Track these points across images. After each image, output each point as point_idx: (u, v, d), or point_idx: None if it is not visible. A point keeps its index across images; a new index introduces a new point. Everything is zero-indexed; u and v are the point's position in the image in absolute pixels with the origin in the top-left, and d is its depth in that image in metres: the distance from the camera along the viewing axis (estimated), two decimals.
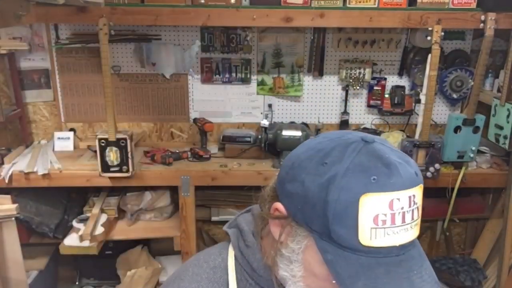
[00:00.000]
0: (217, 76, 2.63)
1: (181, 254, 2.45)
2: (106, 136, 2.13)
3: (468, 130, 2.28)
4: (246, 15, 2.19)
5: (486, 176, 2.41)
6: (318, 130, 2.61)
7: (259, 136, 2.42)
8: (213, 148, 2.56)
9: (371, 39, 2.58)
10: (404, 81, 2.67)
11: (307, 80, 2.66)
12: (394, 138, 2.51)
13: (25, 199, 2.35)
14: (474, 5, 2.23)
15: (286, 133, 2.37)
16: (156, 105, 2.67)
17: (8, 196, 2.02)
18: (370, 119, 2.74)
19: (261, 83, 2.65)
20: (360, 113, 2.73)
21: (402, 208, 0.64)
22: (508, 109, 2.17)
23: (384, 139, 0.71)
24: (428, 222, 2.85)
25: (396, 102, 2.63)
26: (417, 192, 0.66)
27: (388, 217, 0.63)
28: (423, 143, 2.27)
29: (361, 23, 2.25)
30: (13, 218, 2.02)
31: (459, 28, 2.54)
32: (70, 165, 2.31)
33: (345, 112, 2.67)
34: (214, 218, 2.62)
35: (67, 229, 2.39)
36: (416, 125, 2.44)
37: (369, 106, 2.70)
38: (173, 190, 2.50)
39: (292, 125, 2.51)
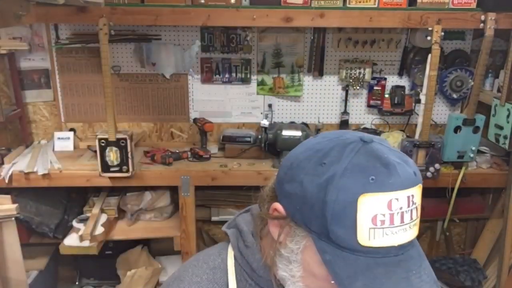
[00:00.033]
0: (217, 76, 2.63)
1: (181, 254, 2.45)
2: (106, 136, 2.13)
3: (468, 130, 2.28)
4: (246, 15, 2.19)
5: (486, 176, 2.41)
6: (318, 130, 2.61)
7: (259, 136, 2.42)
8: (213, 148, 2.56)
9: (371, 39, 2.58)
10: (404, 81, 2.67)
11: (307, 80, 2.66)
12: (394, 138, 2.51)
13: (25, 199, 2.35)
14: (474, 5, 2.23)
15: (286, 133, 2.37)
16: (156, 105, 2.67)
17: (8, 196, 2.02)
18: (370, 119, 2.74)
19: (261, 83, 2.65)
20: (360, 113, 2.73)
21: (401, 208, 0.64)
22: (508, 109, 2.17)
23: (382, 138, 0.71)
24: (428, 222, 2.85)
25: (396, 102, 2.63)
26: (416, 192, 0.66)
27: (386, 217, 0.63)
28: (423, 143, 2.27)
29: (361, 23, 2.25)
30: (13, 218, 2.02)
31: (459, 28, 2.54)
32: (70, 165, 2.31)
33: (345, 112, 2.67)
34: (214, 218, 2.62)
35: (67, 229, 2.40)
36: (416, 125, 2.44)
37: (369, 106, 2.70)
38: (173, 190, 2.50)
39: (292, 125, 2.51)
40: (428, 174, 2.29)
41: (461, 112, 2.68)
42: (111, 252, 2.57)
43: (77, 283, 2.72)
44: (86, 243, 2.23)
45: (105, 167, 2.18)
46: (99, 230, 2.29)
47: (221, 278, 0.81)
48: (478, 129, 2.29)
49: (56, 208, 2.45)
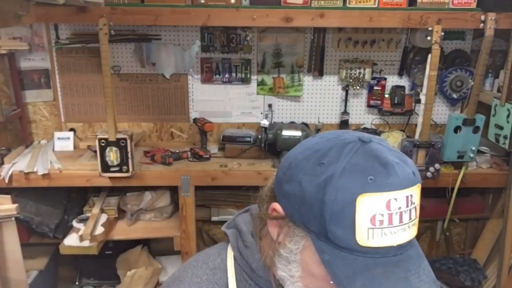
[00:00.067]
0: (217, 76, 2.63)
1: (181, 254, 2.45)
2: (106, 136, 2.13)
3: (468, 130, 2.28)
4: (246, 15, 2.19)
5: (486, 176, 2.41)
6: (318, 130, 2.61)
7: (259, 136, 2.42)
8: (213, 148, 2.56)
9: (371, 39, 2.58)
10: (404, 81, 2.67)
11: (307, 80, 2.66)
12: (394, 138, 2.50)
13: (25, 199, 2.35)
14: (474, 5, 2.23)
15: (286, 133, 2.37)
16: (156, 105, 2.67)
17: (8, 196, 2.02)
18: (370, 119, 2.73)
19: (261, 83, 2.65)
20: (360, 113, 2.73)
21: (400, 208, 0.64)
22: (508, 109, 2.17)
23: (381, 138, 0.71)
24: (428, 222, 2.85)
25: (396, 102, 2.63)
26: (415, 191, 0.66)
27: (385, 217, 0.63)
28: (423, 143, 2.27)
29: (361, 23, 2.25)
30: (13, 218, 2.02)
31: (459, 28, 2.54)
32: (70, 165, 2.31)
33: (345, 112, 2.67)
34: (214, 218, 2.62)
35: (67, 229, 2.40)
36: (416, 125, 2.44)
37: (369, 106, 2.70)
38: (173, 190, 2.50)
39: (292, 125, 2.51)
40: (428, 174, 2.29)
41: (461, 112, 2.68)
42: (111, 252, 2.57)
43: (77, 283, 2.72)
44: (86, 243, 2.23)
45: (105, 167, 2.18)
46: (99, 230, 2.29)
47: (221, 279, 0.81)
48: (478, 129, 2.29)
49: (56, 208, 2.45)
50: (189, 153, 2.45)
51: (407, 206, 0.65)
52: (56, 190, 2.40)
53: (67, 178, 2.26)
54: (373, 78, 2.63)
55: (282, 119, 2.71)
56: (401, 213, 0.64)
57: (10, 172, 2.19)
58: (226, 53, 2.59)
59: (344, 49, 2.60)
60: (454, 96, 2.62)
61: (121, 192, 2.53)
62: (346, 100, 2.66)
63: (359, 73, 2.60)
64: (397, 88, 2.63)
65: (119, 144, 2.14)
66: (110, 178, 2.22)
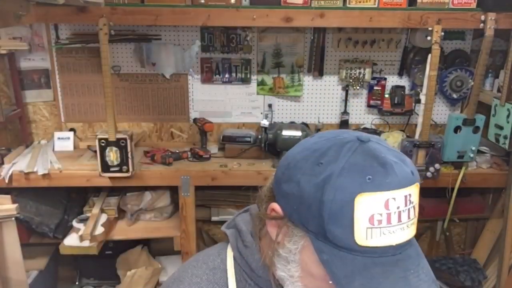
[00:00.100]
0: (217, 76, 2.63)
1: (181, 254, 2.45)
2: (106, 136, 2.13)
3: (468, 130, 2.28)
4: (246, 15, 2.19)
5: (486, 176, 2.41)
6: (318, 130, 2.61)
7: (259, 136, 2.42)
8: (213, 148, 2.56)
9: (371, 39, 2.58)
10: (404, 81, 2.67)
11: (307, 80, 2.66)
12: (394, 138, 2.50)
13: (25, 199, 2.35)
14: (474, 5, 2.23)
15: (286, 133, 2.38)
16: (156, 105, 2.67)
17: (8, 196, 2.02)
18: (370, 119, 2.73)
19: (261, 83, 2.65)
20: (360, 113, 2.73)
21: (398, 207, 0.64)
22: (508, 109, 2.17)
23: (380, 138, 0.71)
24: (428, 222, 2.85)
25: (396, 102, 2.63)
26: (413, 191, 0.66)
27: (384, 217, 0.63)
28: (423, 143, 2.27)
29: (361, 23, 2.25)
30: (13, 218, 2.02)
31: (459, 28, 2.54)
32: (70, 165, 2.31)
33: (345, 112, 2.67)
34: (214, 218, 2.62)
35: (67, 229, 2.40)
36: (416, 125, 2.44)
37: (369, 106, 2.70)
38: (173, 190, 2.50)
39: (292, 125, 2.51)
40: (428, 174, 2.29)
41: (461, 112, 2.68)
42: (111, 252, 2.57)
43: (77, 283, 2.72)
44: (86, 243, 2.23)
45: (105, 167, 2.18)
46: (99, 230, 2.29)
47: (221, 279, 0.81)
48: (478, 129, 2.29)
49: (56, 208, 2.45)
50: (189, 153, 2.45)
51: (406, 205, 0.65)
52: (56, 190, 2.40)
53: (67, 178, 2.26)
54: (373, 78, 2.63)
55: (282, 119, 2.71)
56: (399, 212, 0.64)
57: (10, 172, 2.19)
58: (226, 53, 2.59)
59: (344, 49, 2.60)
60: (454, 96, 2.62)
61: (121, 192, 2.53)
62: (346, 100, 2.66)
63: (359, 73, 2.61)
64: (397, 88, 2.63)
65: (119, 144, 2.14)
66: (110, 178, 2.22)
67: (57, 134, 2.54)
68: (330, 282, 0.66)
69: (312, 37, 2.57)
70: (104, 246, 2.39)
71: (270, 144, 2.40)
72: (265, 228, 0.77)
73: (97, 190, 2.56)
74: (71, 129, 2.63)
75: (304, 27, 2.51)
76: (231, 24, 2.29)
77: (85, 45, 2.50)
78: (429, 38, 2.16)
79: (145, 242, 2.65)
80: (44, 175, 2.21)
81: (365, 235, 0.63)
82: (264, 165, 2.40)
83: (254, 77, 2.65)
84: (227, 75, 2.63)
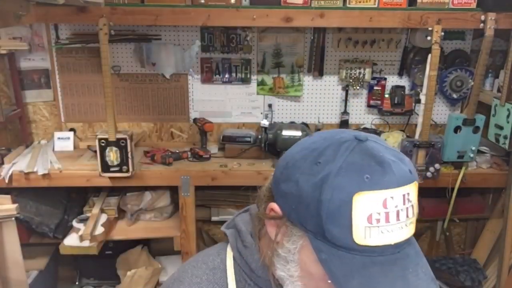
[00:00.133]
0: (217, 76, 2.63)
1: (181, 254, 2.45)
2: (106, 136, 2.13)
3: (468, 130, 2.28)
4: (246, 15, 2.19)
5: (486, 176, 2.40)
6: (318, 130, 2.60)
7: (259, 136, 2.42)
8: (213, 148, 2.56)
9: (371, 39, 2.58)
10: (404, 81, 2.67)
11: (307, 80, 2.66)
12: (394, 138, 2.50)
13: (25, 199, 2.35)
14: (474, 5, 2.23)
15: (286, 133, 2.38)
16: (156, 105, 2.67)
17: (8, 196, 2.02)
18: (370, 119, 2.73)
19: (261, 83, 2.65)
20: (360, 113, 2.73)
21: (396, 206, 0.64)
22: (508, 109, 2.17)
23: (378, 137, 0.71)
24: (428, 222, 2.85)
25: (396, 102, 2.63)
26: (412, 189, 0.66)
27: (382, 216, 0.63)
28: (423, 143, 2.27)
29: (361, 23, 2.25)
30: (13, 218, 2.02)
31: (459, 28, 2.54)
32: (70, 165, 2.31)
33: (345, 112, 2.67)
34: (214, 218, 2.62)
35: (67, 229, 2.40)
36: (416, 125, 2.44)
37: (369, 106, 2.70)
38: (173, 190, 2.50)
39: (292, 125, 2.51)
40: (428, 174, 2.29)
41: (461, 112, 2.68)
42: (111, 252, 2.57)
43: (77, 283, 2.72)
44: (86, 243, 2.23)
45: (105, 167, 2.18)
46: (99, 230, 2.29)
47: (220, 279, 0.81)
48: (478, 129, 2.29)
49: (56, 208, 2.46)
50: (189, 153, 2.45)
51: (404, 204, 0.65)
52: (56, 190, 2.40)
53: (67, 178, 2.26)
54: (373, 78, 2.63)
55: (282, 119, 2.71)
56: (398, 211, 0.64)
57: (10, 172, 2.19)
58: (226, 53, 2.59)
59: (344, 49, 2.60)
60: (454, 96, 2.61)
61: (121, 192, 2.53)
62: (346, 100, 2.66)
63: (359, 73, 2.61)
64: (397, 88, 2.63)
65: (119, 144, 2.15)
66: (110, 178, 2.22)
67: (57, 134, 2.54)
68: (329, 281, 0.66)
69: (312, 37, 2.57)
70: (104, 246, 2.39)
71: (270, 144, 2.40)
72: (264, 228, 0.77)
73: (97, 190, 2.56)
74: (71, 129, 2.63)
75: (304, 27, 2.51)
76: (231, 24, 2.29)
77: (85, 45, 2.51)
78: (429, 38, 2.16)
79: (145, 242, 2.65)
80: (44, 175, 2.21)
81: (363, 234, 0.63)
82: (264, 165, 2.40)
83: (254, 77, 2.65)
84: (227, 75, 2.63)
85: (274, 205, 0.72)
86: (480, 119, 2.27)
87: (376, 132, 2.66)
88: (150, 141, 2.73)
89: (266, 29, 2.55)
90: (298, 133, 2.37)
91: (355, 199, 0.62)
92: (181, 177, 2.29)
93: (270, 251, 0.75)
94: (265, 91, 2.67)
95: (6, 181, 2.18)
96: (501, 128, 2.23)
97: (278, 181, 0.72)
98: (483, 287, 2.57)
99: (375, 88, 2.65)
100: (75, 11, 2.13)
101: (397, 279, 0.64)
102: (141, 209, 2.50)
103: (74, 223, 2.36)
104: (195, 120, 2.58)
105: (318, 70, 2.61)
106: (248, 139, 2.49)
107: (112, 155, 2.16)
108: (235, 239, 0.83)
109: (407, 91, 2.66)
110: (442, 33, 2.13)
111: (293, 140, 2.32)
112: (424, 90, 2.25)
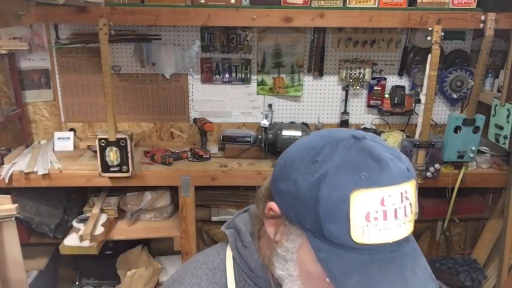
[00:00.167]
0: (217, 76, 2.63)
1: (181, 254, 2.45)
2: (106, 136, 2.13)
3: (468, 130, 2.28)
4: (246, 15, 2.19)
5: (486, 176, 2.40)
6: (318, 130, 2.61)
7: (259, 136, 2.42)
8: (213, 148, 2.56)
9: (371, 39, 2.58)
10: (404, 81, 2.67)
11: (307, 80, 2.66)
12: (394, 138, 2.50)
13: (25, 199, 2.35)
14: (474, 5, 2.23)
15: (286, 133, 2.38)
16: (156, 105, 2.67)
17: (8, 196, 2.02)
18: (370, 119, 2.73)
19: (261, 83, 2.65)
20: (360, 113, 2.73)
21: (394, 204, 0.64)
22: (508, 109, 2.17)
23: (375, 135, 0.71)
24: (428, 222, 2.85)
25: (396, 102, 2.63)
26: (409, 187, 0.66)
27: (380, 214, 0.63)
28: (423, 143, 2.27)
29: (361, 23, 2.25)
30: (13, 218, 2.02)
31: (459, 28, 2.54)
32: (70, 165, 2.31)
33: (345, 112, 2.67)
34: (214, 218, 2.62)
35: (67, 229, 2.40)
36: (416, 125, 2.43)
37: (369, 106, 2.70)
38: (173, 190, 2.50)
39: (292, 125, 2.51)
40: (428, 174, 2.29)
41: (461, 112, 2.68)
42: (111, 252, 2.57)
43: (77, 283, 2.72)
44: (86, 243, 2.23)
45: (105, 167, 2.18)
46: (99, 230, 2.29)
47: (220, 279, 0.81)
48: (478, 129, 2.29)
49: (56, 208, 2.46)
50: (189, 153, 2.46)
51: (402, 202, 0.64)
52: (56, 190, 2.40)
53: (67, 178, 2.26)
54: (373, 78, 2.63)
55: (282, 119, 2.71)
56: (395, 209, 0.64)
57: (10, 172, 2.19)
58: (226, 53, 2.59)
59: (344, 49, 2.60)
60: (454, 96, 2.62)
61: (121, 192, 2.53)
62: (346, 100, 2.66)
63: (359, 73, 2.61)
64: (397, 88, 2.63)
65: (119, 144, 2.15)
66: (110, 178, 2.22)
67: (57, 134, 2.54)
68: (328, 280, 0.66)
69: (312, 37, 2.57)
70: (104, 246, 2.39)
71: (270, 144, 2.40)
72: (264, 227, 0.77)
73: (97, 190, 2.56)
74: (71, 129, 2.63)
75: (304, 27, 2.51)
76: (231, 24, 2.29)
77: (85, 45, 2.51)
78: (429, 38, 2.16)
79: (145, 242, 2.65)
80: (44, 175, 2.21)
81: (361, 232, 0.63)
82: (264, 165, 2.40)
83: (254, 77, 2.65)
84: (227, 75, 2.63)
85: (273, 204, 0.72)
86: (480, 119, 2.27)
87: (376, 132, 2.66)
88: (150, 141, 2.73)
89: (266, 29, 2.55)
90: (298, 133, 2.37)
91: (353, 197, 0.62)
92: (181, 177, 2.29)
93: (269, 251, 0.75)
94: (265, 91, 2.67)
95: (6, 181, 2.18)
96: (501, 128, 2.23)
97: (276, 180, 0.72)
98: (483, 287, 2.57)
99: (375, 88, 2.65)
100: (75, 11, 2.13)
101: (396, 277, 0.64)
102: (141, 209, 2.50)
103: (74, 223, 2.36)
104: (195, 120, 2.58)
105: (318, 70, 2.61)
106: (248, 139, 2.49)
107: (112, 155, 2.16)
108: (234, 239, 0.83)
109: (407, 91, 2.66)
110: (442, 33, 2.13)
111: (293, 140, 2.29)
112: (424, 90, 2.25)
